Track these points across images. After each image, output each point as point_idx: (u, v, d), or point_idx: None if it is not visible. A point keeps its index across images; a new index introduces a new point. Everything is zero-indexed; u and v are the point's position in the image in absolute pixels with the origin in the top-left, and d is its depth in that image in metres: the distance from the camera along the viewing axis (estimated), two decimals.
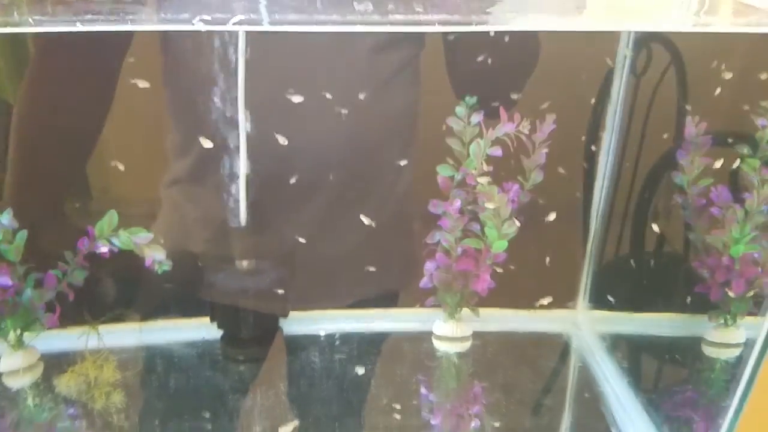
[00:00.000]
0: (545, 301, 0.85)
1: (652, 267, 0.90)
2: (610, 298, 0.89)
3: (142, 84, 0.74)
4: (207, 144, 0.74)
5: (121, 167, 0.79)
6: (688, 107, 0.85)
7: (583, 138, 0.90)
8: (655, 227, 0.90)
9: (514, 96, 0.79)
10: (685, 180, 0.83)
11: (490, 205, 0.76)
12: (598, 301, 0.91)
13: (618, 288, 0.90)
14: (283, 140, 0.75)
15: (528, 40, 0.77)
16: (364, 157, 0.82)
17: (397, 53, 0.80)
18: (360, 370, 0.82)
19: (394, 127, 0.82)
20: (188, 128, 0.80)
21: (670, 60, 0.94)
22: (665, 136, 0.89)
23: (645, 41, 0.89)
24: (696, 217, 0.84)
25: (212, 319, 0.84)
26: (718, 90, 0.80)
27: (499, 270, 0.80)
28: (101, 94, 0.80)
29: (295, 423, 0.73)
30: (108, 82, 0.79)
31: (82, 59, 0.76)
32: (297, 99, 0.73)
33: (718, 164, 0.81)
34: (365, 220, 0.81)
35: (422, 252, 0.82)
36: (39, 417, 0.74)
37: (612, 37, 0.85)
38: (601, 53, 0.86)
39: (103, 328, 0.82)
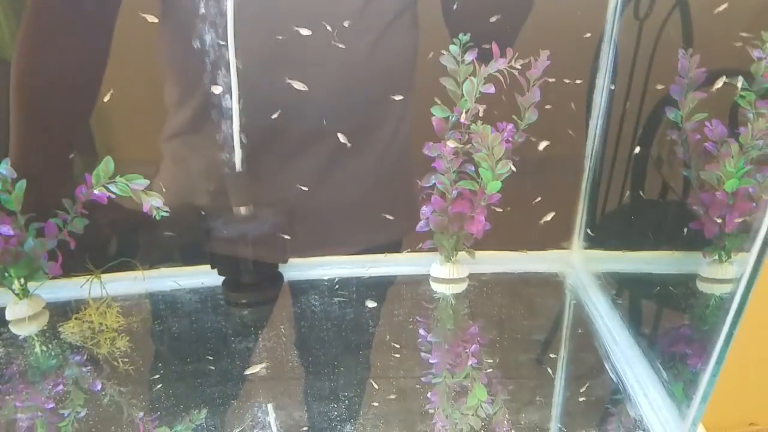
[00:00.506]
0: (548, 217, 0.84)
1: (646, 205, 0.90)
2: (590, 232, 0.90)
3: (151, 19, 0.73)
4: (217, 89, 0.74)
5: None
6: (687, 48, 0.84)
7: (579, 81, 0.89)
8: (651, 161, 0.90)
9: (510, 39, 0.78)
10: (679, 115, 0.83)
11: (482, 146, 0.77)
12: (593, 241, 0.92)
13: (613, 227, 0.91)
14: (281, 85, 0.75)
15: None
16: (362, 103, 0.82)
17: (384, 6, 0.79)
18: (360, 311, 0.83)
19: (393, 74, 0.82)
20: (185, 79, 0.80)
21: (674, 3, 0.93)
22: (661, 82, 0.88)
23: None
24: (691, 152, 0.84)
25: (213, 266, 0.85)
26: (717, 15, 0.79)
27: (498, 210, 0.80)
28: (98, 43, 0.80)
29: (263, 365, 0.75)
30: (104, 31, 0.79)
31: (77, 5, 0.76)
32: (305, 32, 0.72)
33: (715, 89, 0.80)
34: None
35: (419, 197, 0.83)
36: (46, 363, 0.76)
37: None
38: None
39: (106, 277, 0.84)
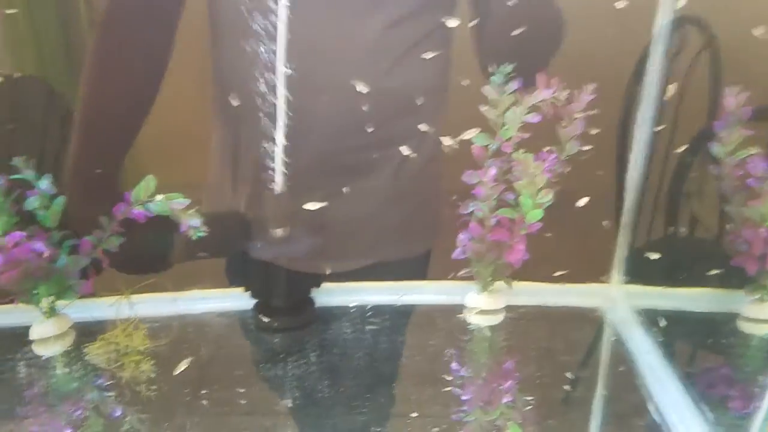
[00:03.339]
0: (582, 202, 0.80)
1: (687, 239, 0.89)
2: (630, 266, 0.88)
3: None
4: (234, 102, 0.75)
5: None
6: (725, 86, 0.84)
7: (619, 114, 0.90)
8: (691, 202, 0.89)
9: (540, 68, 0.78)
10: (722, 151, 0.82)
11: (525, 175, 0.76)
12: (633, 275, 0.90)
13: (653, 262, 0.89)
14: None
15: (549, 10, 0.78)
16: (384, 127, 0.83)
17: (412, 27, 0.81)
18: (392, 340, 0.81)
19: (416, 98, 0.82)
20: (229, 94, 0.82)
21: (704, 42, 0.94)
22: (699, 114, 0.88)
23: (679, 22, 0.88)
24: (732, 188, 0.83)
25: (246, 289, 0.83)
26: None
27: (547, 235, 0.79)
28: (159, 62, 0.83)
29: (188, 359, 0.73)
30: (166, 48, 0.82)
31: (140, 27, 0.78)
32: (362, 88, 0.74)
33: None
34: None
35: (453, 220, 0.82)
36: (68, 386, 0.74)
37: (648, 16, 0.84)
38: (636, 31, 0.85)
39: (136, 298, 0.82)
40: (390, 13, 0.79)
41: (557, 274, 0.85)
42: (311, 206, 0.75)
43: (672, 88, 0.78)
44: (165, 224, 0.73)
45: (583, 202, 0.78)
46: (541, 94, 0.74)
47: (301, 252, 0.80)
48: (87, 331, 0.82)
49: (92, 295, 0.80)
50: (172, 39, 0.84)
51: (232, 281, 0.93)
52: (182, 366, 0.71)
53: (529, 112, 0.75)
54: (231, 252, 0.84)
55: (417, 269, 0.95)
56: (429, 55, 0.82)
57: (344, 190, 0.85)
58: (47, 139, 1.12)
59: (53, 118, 1.13)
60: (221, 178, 0.90)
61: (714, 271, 0.84)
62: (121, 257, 0.78)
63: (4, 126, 1.08)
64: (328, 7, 0.77)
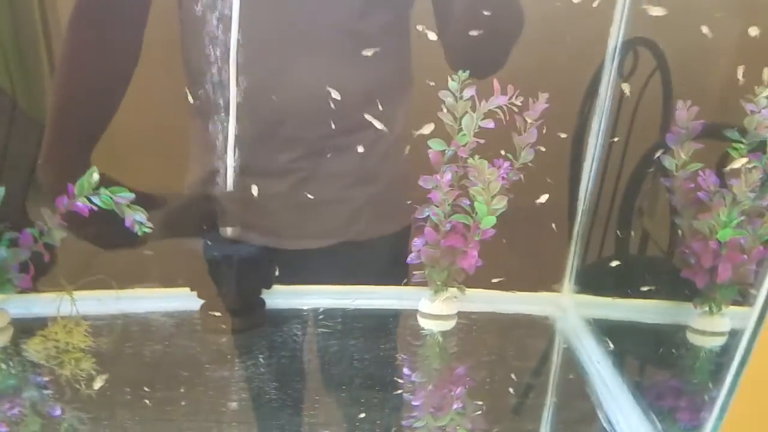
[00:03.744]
0: (542, 198, 0.80)
1: (638, 251, 0.90)
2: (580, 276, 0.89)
3: None
4: (190, 99, 0.73)
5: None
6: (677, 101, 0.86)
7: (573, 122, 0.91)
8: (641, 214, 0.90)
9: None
10: (673, 164, 0.84)
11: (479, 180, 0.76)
12: (585, 286, 0.91)
13: (604, 272, 0.90)
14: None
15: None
16: (347, 117, 0.83)
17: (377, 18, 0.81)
18: (343, 344, 0.80)
19: (379, 90, 0.82)
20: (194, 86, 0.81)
21: (656, 63, 0.96)
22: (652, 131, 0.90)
23: (632, 43, 0.91)
24: (683, 201, 0.85)
25: (192, 289, 0.81)
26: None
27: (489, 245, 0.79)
28: (132, 45, 0.84)
29: (105, 376, 0.71)
30: (137, 32, 0.83)
31: (106, 26, 0.80)
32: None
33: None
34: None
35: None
36: (4, 383, 0.71)
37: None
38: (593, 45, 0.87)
39: (78, 294, 0.79)
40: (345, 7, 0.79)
41: (496, 280, 0.86)
42: (255, 191, 0.74)
43: (626, 87, 0.79)
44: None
45: (543, 198, 0.78)
46: (497, 100, 0.74)
47: (253, 255, 0.79)
48: (27, 328, 0.79)
49: (32, 290, 0.77)
50: (139, 38, 0.85)
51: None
52: (98, 383, 0.69)
53: (484, 118, 0.75)
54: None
55: (396, 246, 0.94)
56: (389, 47, 0.82)
57: (308, 174, 0.86)
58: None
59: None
60: (191, 172, 0.90)
61: (656, 286, 0.85)
62: (92, 229, 0.78)
63: None
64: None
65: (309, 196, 0.85)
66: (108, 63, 0.85)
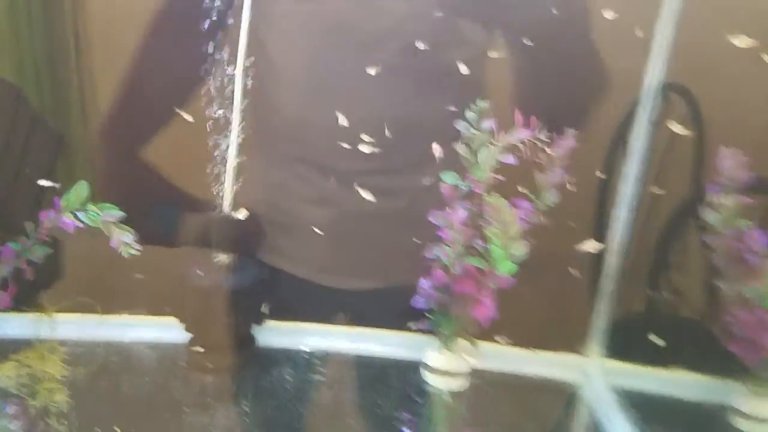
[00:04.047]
0: (588, 246, 0.73)
1: (676, 316, 0.80)
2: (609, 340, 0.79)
3: None
4: (188, 117, 0.71)
5: None
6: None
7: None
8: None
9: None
10: (717, 219, 0.75)
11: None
12: (613, 349, 0.80)
13: (636, 336, 0.80)
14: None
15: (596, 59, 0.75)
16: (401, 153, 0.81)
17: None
18: (339, 395, 0.72)
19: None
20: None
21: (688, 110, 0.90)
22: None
23: (666, 89, 0.85)
24: (727, 262, 0.75)
25: (180, 320, 0.75)
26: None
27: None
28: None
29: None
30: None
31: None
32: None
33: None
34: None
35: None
36: None
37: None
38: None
39: (60, 317, 0.74)
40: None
41: (499, 338, 0.78)
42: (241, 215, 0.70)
43: (678, 128, 0.72)
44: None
45: (588, 246, 0.70)
46: (520, 134, 0.68)
47: (246, 285, 0.73)
48: (3, 350, 0.74)
49: (11, 309, 0.72)
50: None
51: None
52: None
53: (504, 152, 0.69)
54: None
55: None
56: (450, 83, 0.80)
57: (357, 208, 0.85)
58: (12, 138, 1.10)
59: (20, 118, 1.11)
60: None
61: (695, 356, 0.74)
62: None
63: None
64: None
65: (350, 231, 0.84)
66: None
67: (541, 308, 0.78)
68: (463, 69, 0.77)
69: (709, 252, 0.75)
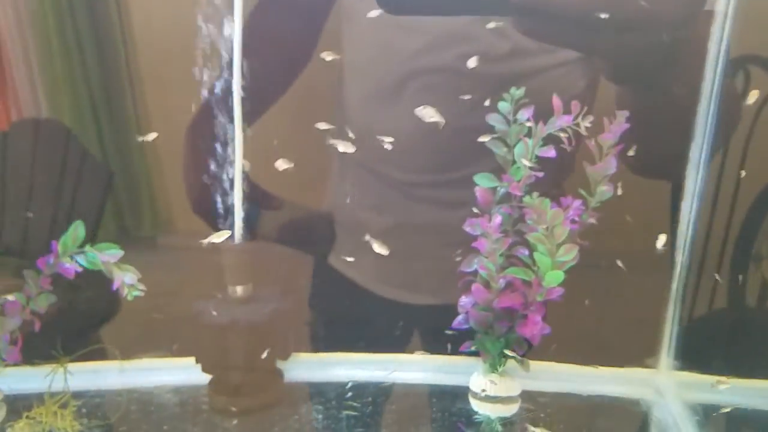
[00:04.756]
0: (660, 241, 0.64)
1: (757, 320, 0.69)
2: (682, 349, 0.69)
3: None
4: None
5: None
6: None
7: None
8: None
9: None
10: None
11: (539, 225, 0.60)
12: (687, 360, 0.70)
13: (713, 345, 0.69)
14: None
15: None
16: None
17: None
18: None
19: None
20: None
21: None
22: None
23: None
24: None
25: (197, 360, 0.69)
26: None
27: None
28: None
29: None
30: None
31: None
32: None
33: None
34: None
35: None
36: None
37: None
38: None
39: (74, 367, 0.69)
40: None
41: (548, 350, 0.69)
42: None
43: (755, 94, 0.61)
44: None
45: (662, 240, 0.61)
46: (559, 121, 0.59)
47: (266, 318, 0.66)
48: (21, 406, 0.69)
49: (24, 363, 0.67)
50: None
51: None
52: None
53: (544, 145, 0.60)
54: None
55: None
56: None
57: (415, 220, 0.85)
58: (64, 177, 1.17)
59: (70, 158, 1.17)
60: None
61: None
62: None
63: (23, 165, 1.14)
64: None
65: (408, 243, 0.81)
66: None
67: (599, 319, 0.69)
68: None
69: None
